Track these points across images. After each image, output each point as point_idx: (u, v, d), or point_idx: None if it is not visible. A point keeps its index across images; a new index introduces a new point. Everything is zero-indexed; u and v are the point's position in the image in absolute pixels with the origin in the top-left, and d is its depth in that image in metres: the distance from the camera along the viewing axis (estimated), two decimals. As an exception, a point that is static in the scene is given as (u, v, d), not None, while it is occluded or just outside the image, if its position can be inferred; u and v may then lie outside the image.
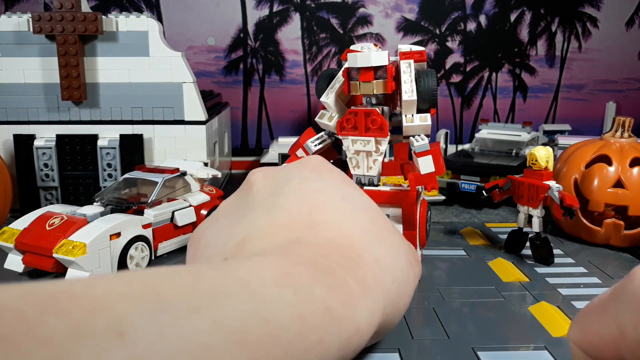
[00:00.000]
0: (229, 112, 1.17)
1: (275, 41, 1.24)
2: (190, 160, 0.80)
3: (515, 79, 1.30)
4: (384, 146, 0.57)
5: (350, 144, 0.58)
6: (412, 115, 0.56)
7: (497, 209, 0.87)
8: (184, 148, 0.83)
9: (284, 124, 1.28)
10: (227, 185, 1.03)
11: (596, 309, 0.25)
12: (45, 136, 0.81)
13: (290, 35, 1.24)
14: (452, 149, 1.02)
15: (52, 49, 0.78)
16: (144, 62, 0.80)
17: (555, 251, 0.65)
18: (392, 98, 0.59)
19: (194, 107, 0.82)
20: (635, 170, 0.66)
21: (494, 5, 1.25)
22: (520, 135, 0.95)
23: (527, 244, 0.65)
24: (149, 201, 0.63)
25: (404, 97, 0.55)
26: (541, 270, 0.61)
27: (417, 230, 0.57)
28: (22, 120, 0.81)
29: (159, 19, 1.19)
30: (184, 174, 0.69)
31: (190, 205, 0.67)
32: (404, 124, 0.56)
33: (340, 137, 0.59)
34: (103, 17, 0.78)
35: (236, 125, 1.26)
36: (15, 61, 0.79)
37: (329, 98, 0.59)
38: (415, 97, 0.54)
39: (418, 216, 0.57)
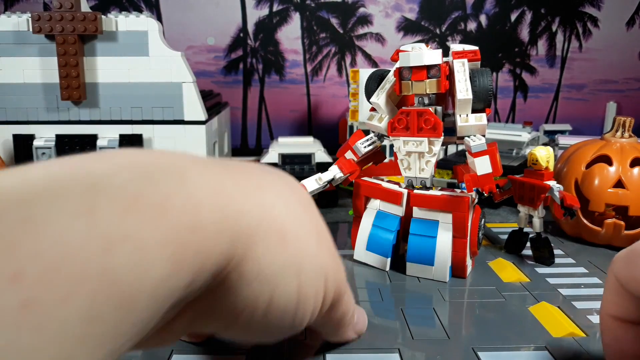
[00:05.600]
0: (228, 112, 1.17)
1: (275, 41, 1.24)
2: None
3: (516, 78, 1.30)
4: (437, 147, 0.56)
5: (402, 145, 0.57)
6: (467, 115, 0.55)
7: (497, 209, 0.87)
8: (183, 148, 0.82)
9: (284, 124, 1.28)
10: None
11: None
12: (44, 136, 0.81)
13: (290, 35, 1.24)
14: (452, 149, 1.02)
15: (52, 49, 0.78)
16: (143, 62, 0.80)
17: (556, 251, 0.65)
18: (444, 98, 0.58)
19: (194, 107, 0.82)
20: (635, 170, 0.66)
21: (495, 5, 1.25)
22: (520, 135, 0.95)
23: (528, 244, 0.65)
24: None
25: (459, 96, 0.54)
26: (542, 270, 0.61)
27: (468, 238, 0.56)
28: (22, 120, 0.81)
29: (159, 18, 1.19)
30: None
31: None
32: (459, 124, 0.55)
33: (391, 138, 0.58)
34: (102, 16, 0.77)
35: (236, 125, 1.26)
36: (14, 61, 0.79)
37: (379, 99, 0.58)
38: (470, 96, 0.53)
39: (470, 223, 0.56)
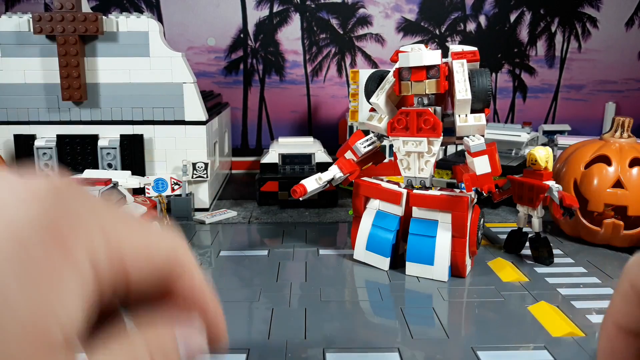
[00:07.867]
0: (229, 112, 1.18)
1: (275, 41, 1.24)
2: (120, 170, 0.76)
3: (515, 79, 1.31)
4: (437, 147, 0.56)
5: (402, 145, 0.57)
6: (466, 115, 0.55)
7: (496, 209, 0.87)
8: (184, 148, 0.83)
9: (284, 124, 1.28)
10: (227, 185, 1.03)
11: None
12: (45, 136, 0.81)
13: (291, 36, 1.24)
14: (451, 149, 1.02)
15: (53, 49, 0.78)
16: (144, 63, 0.80)
17: (555, 251, 0.65)
18: (443, 98, 0.58)
19: (195, 108, 0.82)
20: (634, 170, 0.66)
21: (494, 5, 1.26)
22: (519, 136, 0.96)
23: (527, 244, 0.66)
24: None
25: (458, 96, 0.54)
26: (541, 270, 0.61)
27: (467, 238, 0.57)
28: (23, 121, 0.81)
29: (159, 19, 1.19)
30: (115, 184, 0.62)
31: None
32: (458, 124, 0.55)
33: (390, 138, 0.58)
34: (103, 17, 0.78)
35: (236, 126, 1.26)
36: (15, 61, 0.79)
37: (379, 99, 0.59)
38: (469, 96, 0.54)
39: (469, 223, 0.56)
